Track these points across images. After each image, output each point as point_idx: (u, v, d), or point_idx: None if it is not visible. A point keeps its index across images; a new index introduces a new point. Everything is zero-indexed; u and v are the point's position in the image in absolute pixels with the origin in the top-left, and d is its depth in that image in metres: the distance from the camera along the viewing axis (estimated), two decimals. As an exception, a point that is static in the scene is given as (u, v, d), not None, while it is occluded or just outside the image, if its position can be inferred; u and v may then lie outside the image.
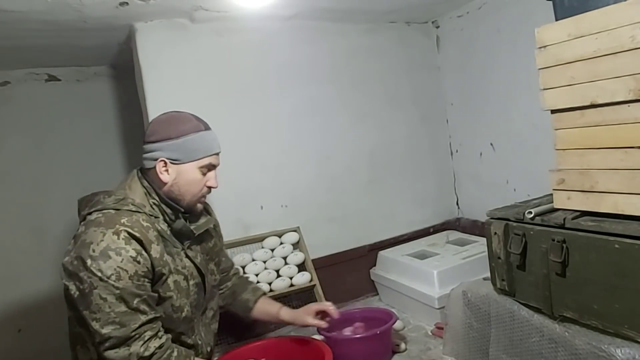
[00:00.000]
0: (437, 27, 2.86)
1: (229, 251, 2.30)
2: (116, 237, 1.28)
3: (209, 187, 1.47)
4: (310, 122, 2.52)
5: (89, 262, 1.25)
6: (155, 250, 1.34)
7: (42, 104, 2.70)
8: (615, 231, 1.22)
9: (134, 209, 1.35)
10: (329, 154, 2.57)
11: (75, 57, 2.59)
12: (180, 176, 1.40)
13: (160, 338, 1.32)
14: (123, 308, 1.25)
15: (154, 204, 1.41)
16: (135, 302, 1.27)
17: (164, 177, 1.39)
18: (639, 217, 1.21)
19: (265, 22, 2.33)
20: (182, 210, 1.46)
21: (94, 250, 1.26)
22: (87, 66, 2.82)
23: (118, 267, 1.25)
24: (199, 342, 1.50)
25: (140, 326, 1.27)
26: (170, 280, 1.38)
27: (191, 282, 1.45)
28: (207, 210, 1.63)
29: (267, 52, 2.39)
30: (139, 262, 1.29)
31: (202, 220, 1.55)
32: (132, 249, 1.28)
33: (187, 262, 1.46)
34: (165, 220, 1.42)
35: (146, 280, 1.31)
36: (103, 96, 2.90)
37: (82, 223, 1.35)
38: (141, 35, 2.13)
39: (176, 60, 2.19)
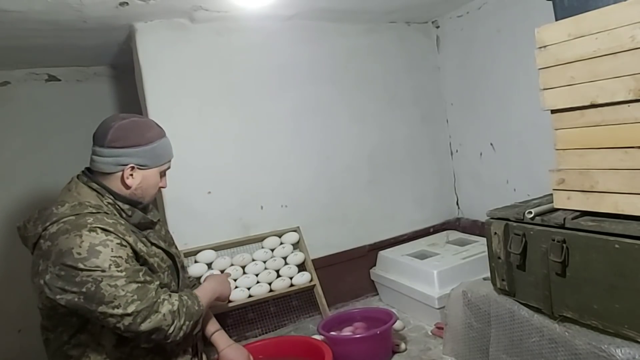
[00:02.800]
0: (437, 27, 2.86)
1: (229, 251, 2.32)
2: (94, 233, 1.30)
3: (161, 188, 1.57)
4: (310, 122, 2.52)
5: (80, 265, 1.25)
6: (130, 238, 1.38)
7: (42, 104, 2.70)
8: (615, 231, 1.22)
9: (94, 211, 1.37)
10: (329, 153, 2.57)
11: (75, 57, 2.59)
12: (145, 180, 1.47)
13: (171, 294, 1.41)
14: (134, 285, 1.31)
15: (109, 203, 1.44)
16: (141, 275, 1.34)
17: (130, 181, 1.44)
18: (639, 217, 1.21)
19: (265, 22, 2.33)
20: (139, 204, 1.52)
21: (79, 253, 1.26)
22: (87, 66, 2.82)
23: (112, 257, 1.29)
24: None
25: (155, 292, 1.35)
26: (152, 262, 1.44)
27: (164, 265, 1.50)
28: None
29: (267, 52, 2.40)
30: (125, 247, 1.34)
31: (154, 211, 1.64)
32: (114, 237, 1.32)
33: (155, 249, 1.51)
34: (122, 216, 1.45)
35: (134, 259, 1.37)
36: (103, 96, 2.90)
37: (41, 240, 1.34)
38: (141, 35, 2.13)
39: (176, 60, 2.19)
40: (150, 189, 1.50)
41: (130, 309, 1.28)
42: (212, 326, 1.71)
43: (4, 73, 2.60)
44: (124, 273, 1.29)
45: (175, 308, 1.37)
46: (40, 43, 2.19)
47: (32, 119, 2.67)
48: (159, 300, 1.34)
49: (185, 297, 1.44)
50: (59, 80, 2.77)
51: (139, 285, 1.31)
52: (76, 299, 1.27)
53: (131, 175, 1.44)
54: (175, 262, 1.56)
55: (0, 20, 1.80)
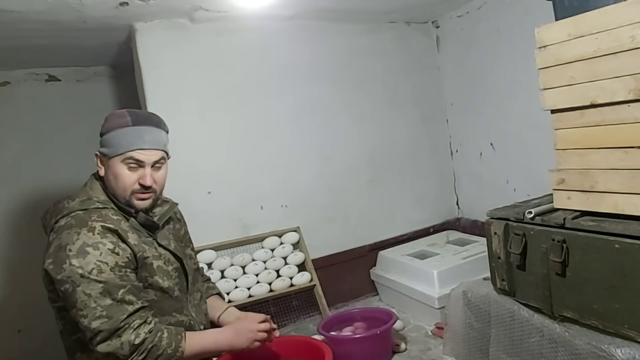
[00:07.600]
0: (437, 27, 2.86)
1: (229, 251, 2.32)
2: (91, 233, 1.30)
3: (142, 185, 1.42)
4: (310, 122, 2.52)
5: (67, 262, 1.26)
6: (132, 238, 1.37)
7: (42, 104, 2.70)
8: (615, 231, 1.22)
9: (101, 206, 1.39)
10: (329, 153, 2.57)
11: (75, 57, 2.59)
12: (109, 170, 1.42)
13: (149, 324, 1.32)
14: (108, 301, 1.27)
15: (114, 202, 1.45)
16: (120, 293, 1.29)
17: (100, 171, 1.46)
18: (639, 217, 1.21)
19: (265, 22, 2.33)
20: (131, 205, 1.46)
21: (70, 250, 1.27)
22: (87, 66, 2.82)
23: (98, 261, 1.27)
24: (192, 323, 1.53)
25: (128, 316, 1.29)
26: (154, 265, 1.42)
27: (170, 268, 1.48)
28: (164, 200, 1.62)
29: (267, 52, 2.40)
30: (117, 254, 1.31)
31: (163, 209, 1.57)
32: (109, 241, 1.31)
33: (162, 250, 1.49)
34: (129, 214, 1.45)
35: (128, 270, 1.33)
36: (103, 96, 2.90)
37: (52, 232, 1.36)
38: (141, 35, 2.13)
39: (176, 60, 2.19)
40: (117, 180, 1.39)
41: (94, 324, 1.25)
42: (215, 311, 1.65)
43: (4, 73, 2.60)
44: (101, 285, 1.26)
45: (138, 341, 1.28)
46: (40, 43, 2.19)
47: (32, 119, 2.67)
48: (125, 326, 1.27)
49: (166, 335, 1.34)
50: (59, 80, 2.77)
51: (113, 302, 1.27)
52: (60, 294, 1.30)
53: (102, 164, 1.44)
54: (182, 264, 1.53)
55: (0, 20, 1.80)
